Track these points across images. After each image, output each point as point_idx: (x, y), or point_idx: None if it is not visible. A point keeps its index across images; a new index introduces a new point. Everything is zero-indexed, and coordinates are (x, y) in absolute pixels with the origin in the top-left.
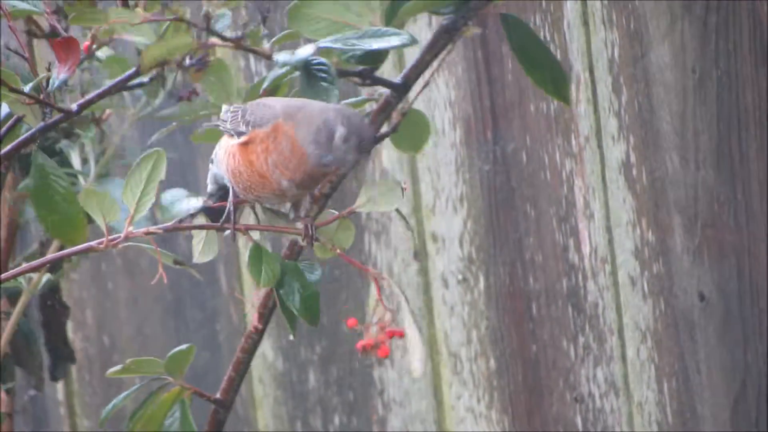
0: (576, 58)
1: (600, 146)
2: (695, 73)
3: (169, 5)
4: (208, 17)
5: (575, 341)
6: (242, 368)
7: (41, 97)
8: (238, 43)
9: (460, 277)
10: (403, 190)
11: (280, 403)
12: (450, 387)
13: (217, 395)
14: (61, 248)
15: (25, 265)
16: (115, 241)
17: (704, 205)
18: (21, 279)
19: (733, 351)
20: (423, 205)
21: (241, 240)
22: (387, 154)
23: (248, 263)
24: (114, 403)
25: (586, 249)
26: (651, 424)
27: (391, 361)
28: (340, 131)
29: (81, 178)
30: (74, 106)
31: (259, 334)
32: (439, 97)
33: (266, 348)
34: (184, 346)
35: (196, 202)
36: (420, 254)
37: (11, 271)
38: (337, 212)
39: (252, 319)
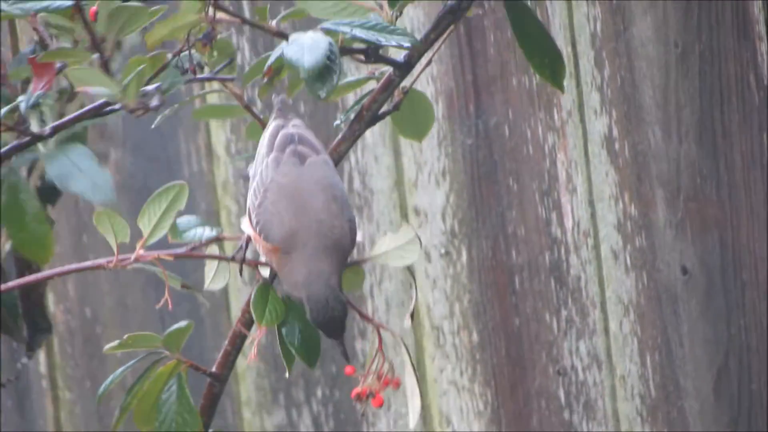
0: (558, 33)
1: (582, 120)
2: (677, 47)
3: None
4: None
5: (558, 314)
6: (239, 342)
7: (16, 118)
8: (244, 18)
9: (442, 250)
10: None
11: (263, 376)
12: (432, 360)
13: (213, 369)
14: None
15: (23, 279)
16: (124, 262)
17: (687, 178)
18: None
19: (715, 324)
20: (405, 179)
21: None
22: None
23: (253, 300)
24: (111, 379)
25: (568, 223)
26: (634, 397)
27: (373, 336)
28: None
29: (40, 146)
30: (48, 129)
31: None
32: (421, 72)
33: None
34: (182, 323)
35: (209, 232)
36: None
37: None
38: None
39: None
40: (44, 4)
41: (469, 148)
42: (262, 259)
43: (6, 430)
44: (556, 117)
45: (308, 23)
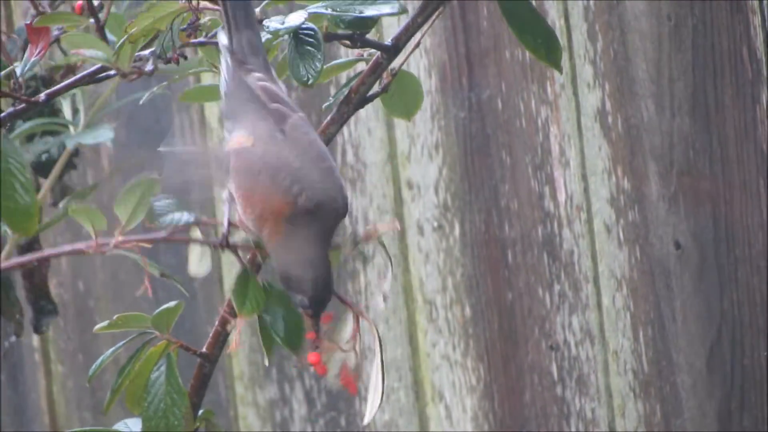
0: (551, 5)
1: (575, 94)
2: (670, 20)
3: None
4: None
5: (551, 289)
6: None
7: (11, 85)
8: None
9: (435, 224)
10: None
11: (255, 351)
12: (425, 334)
13: (203, 349)
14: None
15: (13, 260)
16: (103, 248)
17: (680, 152)
18: (4, 227)
19: (708, 299)
20: (398, 152)
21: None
22: None
23: (233, 287)
24: (101, 361)
25: (561, 197)
26: (626, 372)
27: (366, 309)
28: None
29: (71, 128)
30: (42, 96)
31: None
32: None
33: None
34: (172, 303)
35: (187, 217)
36: (395, 202)
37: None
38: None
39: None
40: None
41: (462, 121)
42: (244, 234)
43: None
44: (549, 90)
45: (293, 11)
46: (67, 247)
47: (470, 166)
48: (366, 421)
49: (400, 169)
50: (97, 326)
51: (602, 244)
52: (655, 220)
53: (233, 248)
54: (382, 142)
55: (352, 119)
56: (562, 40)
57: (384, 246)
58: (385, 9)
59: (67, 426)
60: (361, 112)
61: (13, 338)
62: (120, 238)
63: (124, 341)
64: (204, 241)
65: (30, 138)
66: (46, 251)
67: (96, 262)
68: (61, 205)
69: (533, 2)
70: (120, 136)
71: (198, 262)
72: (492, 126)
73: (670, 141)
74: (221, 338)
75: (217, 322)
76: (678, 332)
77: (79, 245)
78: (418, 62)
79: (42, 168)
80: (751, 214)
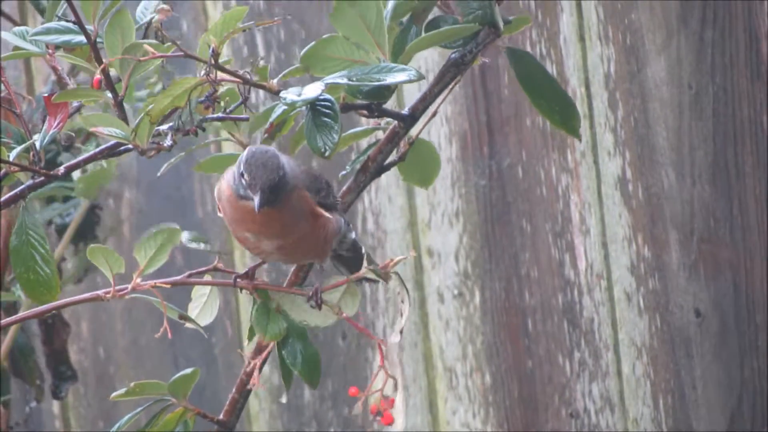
0: (572, 74)
1: (596, 161)
2: (691, 88)
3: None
4: (215, 53)
5: (571, 357)
6: (246, 390)
7: (30, 157)
8: (245, 79)
9: (455, 291)
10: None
11: (276, 417)
12: (445, 402)
13: (221, 416)
14: None
15: (25, 312)
16: (122, 292)
17: (700, 220)
18: (19, 292)
19: (729, 367)
20: (419, 219)
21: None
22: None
23: (254, 319)
24: (118, 426)
25: (581, 264)
26: None
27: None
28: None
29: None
30: (61, 170)
31: (262, 360)
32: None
33: None
34: (188, 370)
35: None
36: (416, 268)
37: (12, 317)
38: (345, 277)
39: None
40: (65, 38)
41: (483, 189)
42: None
43: None
44: (569, 158)
45: (309, 82)
46: (86, 295)
47: (490, 234)
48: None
49: (420, 237)
50: (114, 393)
51: (622, 312)
52: (675, 288)
53: (252, 285)
54: (403, 210)
55: (373, 187)
56: (583, 108)
57: (401, 279)
58: (401, 77)
59: None
60: (382, 179)
61: (33, 404)
62: (138, 281)
63: (141, 408)
64: (223, 282)
65: (50, 200)
66: (62, 300)
67: (117, 328)
68: (70, 267)
69: (554, 70)
70: (140, 204)
71: (203, 309)
72: (512, 194)
73: (691, 209)
74: (239, 405)
75: (234, 389)
76: (698, 400)
77: (97, 292)
78: (438, 130)
79: (58, 231)
80: None
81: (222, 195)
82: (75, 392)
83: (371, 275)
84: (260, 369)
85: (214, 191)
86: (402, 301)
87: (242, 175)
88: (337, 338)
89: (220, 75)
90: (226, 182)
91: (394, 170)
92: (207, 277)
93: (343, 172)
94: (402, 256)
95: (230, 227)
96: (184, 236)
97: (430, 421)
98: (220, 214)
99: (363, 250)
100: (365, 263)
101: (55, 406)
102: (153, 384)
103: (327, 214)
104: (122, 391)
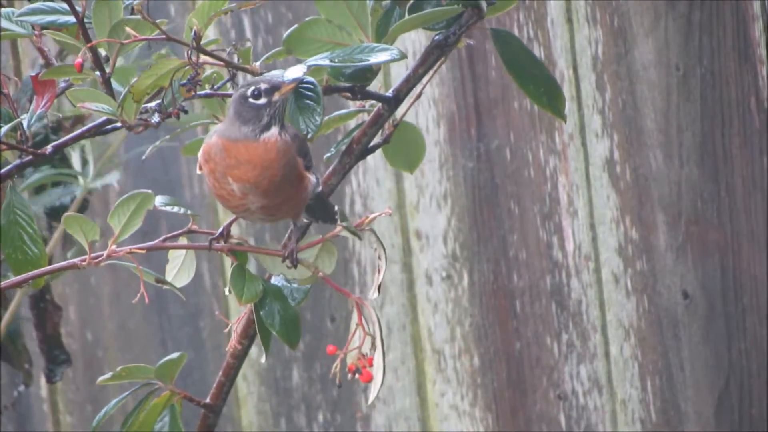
0: (560, 56)
1: (584, 143)
2: (679, 70)
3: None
4: (197, 36)
5: (559, 338)
6: (232, 373)
7: (18, 136)
8: (228, 62)
9: (444, 274)
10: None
11: (264, 400)
12: (434, 384)
13: (207, 400)
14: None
15: (7, 281)
16: (97, 260)
17: (688, 202)
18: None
19: (716, 348)
20: (407, 202)
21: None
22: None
23: (230, 282)
24: (105, 411)
25: (569, 246)
26: (634, 421)
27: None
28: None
29: (80, 179)
30: (49, 148)
31: (249, 339)
32: (423, 95)
33: None
34: (175, 354)
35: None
36: (404, 251)
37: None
38: (321, 236)
39: (233, 339)
40: (50, 18)
41: (471, 171)
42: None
43: None
44: (557, 140)
45: (294, 64)
46: (62, 263)
47: (479, 217)
48: (370, 400)
49: (408, 219)
50: (101, 378)
51: (610, 293)
52: (663, 270)
53: (227, 247)
54: (391, 193)
55: (360, 170)
56: (571, 91)
57: (377, 235)
58: (383, 56)
59: None
60: (370, 162)
61: (21, 388)
62: (113, 248)
63: (128, 392)
64: (199, 246)
65: (41, 188)
66: (38, 270)
67: (104, 311)
68: (69, 255)
69: (541, 52)
70: (128, 187)
71: (179, 271)
72: (500, 176)
73: (678, 191)
74: (225, 389)
75: (220, 373)
76: (686, 382)
77: (73, 260)
78: (426, 113)
79: (56, 214)
80: (759, 264)
81: (212, 149)
82: (63, 376)
83: (346, 233)
84: (244, 336)
85: (198, 155)
86: (379, 258)
87: (254, 90)
88: (326, 321)
89: (203, 58)
90: (216, 135)
91: (381, 153)
92: (182, 240)
93: (328, 154)
94: (377, 213)
95: (217, 184)
96: (158, 200)
97: (419, 403)
98: (199, 172)
99: (336, 208)
100: (339, 220)
101: (44, 389)
102: (140, 368)
103: (309, 175)
104: (109, 375)
